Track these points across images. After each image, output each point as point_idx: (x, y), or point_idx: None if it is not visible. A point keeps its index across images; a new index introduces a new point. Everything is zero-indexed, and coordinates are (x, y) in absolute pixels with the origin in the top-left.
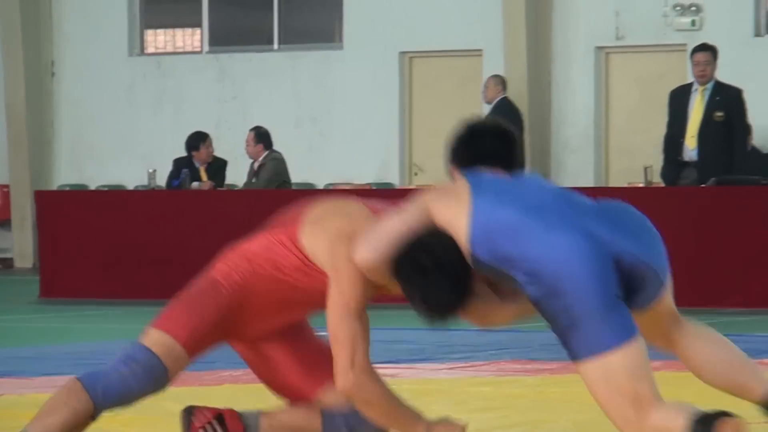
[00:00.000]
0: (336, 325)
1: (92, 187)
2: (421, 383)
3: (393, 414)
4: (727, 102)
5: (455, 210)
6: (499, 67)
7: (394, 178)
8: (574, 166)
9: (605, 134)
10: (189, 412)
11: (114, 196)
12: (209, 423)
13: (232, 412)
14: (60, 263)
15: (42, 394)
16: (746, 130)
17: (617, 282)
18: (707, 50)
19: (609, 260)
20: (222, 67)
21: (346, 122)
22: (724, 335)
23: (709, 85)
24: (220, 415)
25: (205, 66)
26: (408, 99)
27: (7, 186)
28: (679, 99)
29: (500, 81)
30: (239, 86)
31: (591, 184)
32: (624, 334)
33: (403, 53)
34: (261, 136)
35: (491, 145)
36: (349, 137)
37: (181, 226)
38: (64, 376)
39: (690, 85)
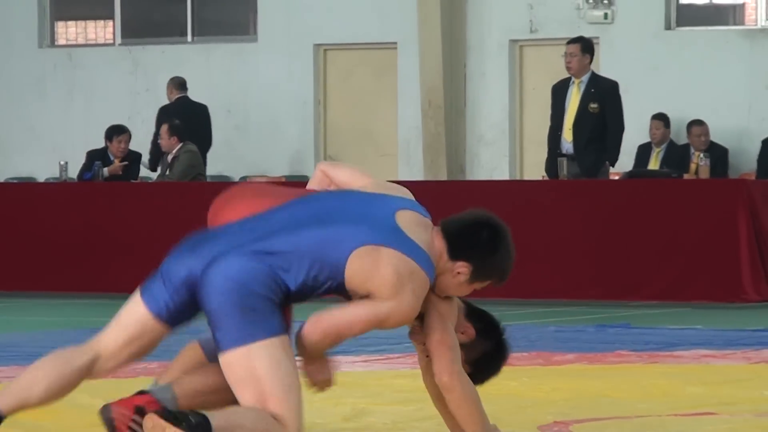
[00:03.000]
0: (444, 332)
1: (1, 179)
2: (335, 375)
3: (475, 416)
4: (602, 94)
5: None
6: (414, 59)
7: (309, 170)
8: (489, 159)
9: (520, 127)
10: (108, 415)
11: (24, 188)
12: (132, 421)
13: (146, 398)
14: None
15: None
16: (619, 123)
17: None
18: (576, 42)
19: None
20: (135, 60)
21: (260, 115)
22: (636, 327)
23: (585, 77)
24: (138, 408)
25: (117, 58)
26: (323, 91)
27: None
28: (558, 92)
29: (178, 83)
30: (152, 79)
31: (506, 177)
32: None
33: (317, 45)
34: (175, 129)
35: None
36: (264, 130)
37: (94, 219)
38: None
39: (569, 78)
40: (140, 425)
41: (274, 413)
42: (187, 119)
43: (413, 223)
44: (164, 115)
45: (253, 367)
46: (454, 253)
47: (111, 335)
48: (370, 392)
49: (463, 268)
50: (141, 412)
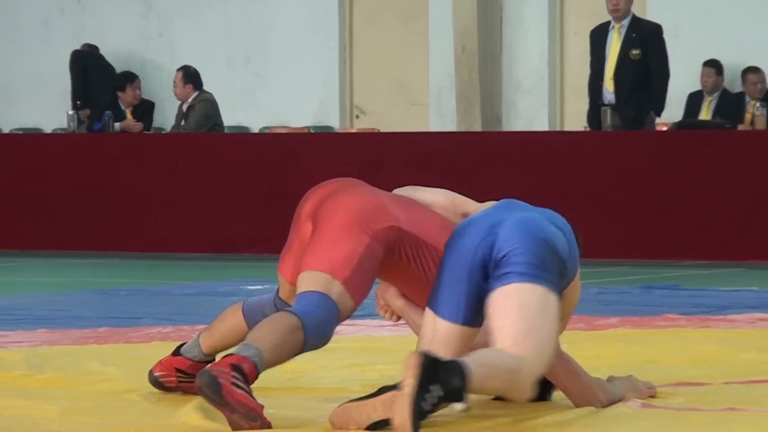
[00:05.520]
0: (552, 355)
1: (6, 130)
2: (364, 341)
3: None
4: (644, 38)
5: None
6: (446, 2)
7: (333, 121)
8: (527, 108)
9: (560, 74)
10: (209, 377)
11: (30, 139)
12: (233, 377)
13: (236, 357)
14: None
15: None
16: (664, 69)
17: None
18: None
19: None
20: (147, 2)
21: (282, 61)
22: (685, 289)
23: (626, 22)
24: (233, 365)
25: (128, 1)
26: (348, 36)
27: None
28: (598, 38)
29: (88, 45)
30: (166, 22)
31: (545, 127)
32: None
33: None
34: (190, 76)
35: None
36: (286, 77)
37: (105, 172)
38: None
39: (608, 23)
40: (240, 380)
41: (518, 352)
42: (93, 70)
43: None
44: (78, 57)
45: (530, 304)
46: None
47: None
48: (399, 358)
49: None
50: (238, 369)
